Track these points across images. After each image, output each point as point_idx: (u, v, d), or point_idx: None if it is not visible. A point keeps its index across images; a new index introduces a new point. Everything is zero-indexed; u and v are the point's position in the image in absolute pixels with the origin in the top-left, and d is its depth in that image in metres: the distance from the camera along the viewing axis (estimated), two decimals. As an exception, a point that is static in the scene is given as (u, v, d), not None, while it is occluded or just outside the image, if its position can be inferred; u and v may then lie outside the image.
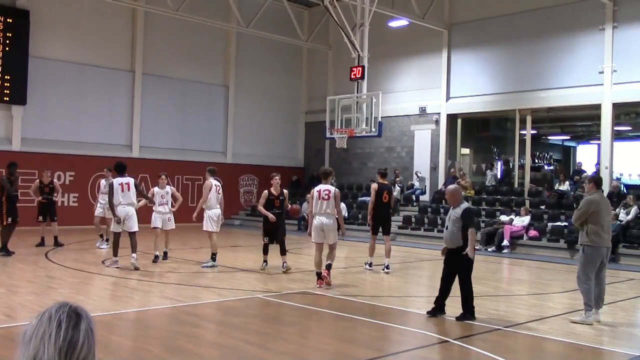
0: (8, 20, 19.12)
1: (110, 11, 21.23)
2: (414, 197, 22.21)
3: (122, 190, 11.42)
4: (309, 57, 27.71)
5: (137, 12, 22.01)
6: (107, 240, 13.85)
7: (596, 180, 8.56)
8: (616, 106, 18.74)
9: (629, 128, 22.87)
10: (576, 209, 8.30)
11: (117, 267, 11.47)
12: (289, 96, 27.33)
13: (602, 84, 18.58)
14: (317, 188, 10.27)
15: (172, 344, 6.43)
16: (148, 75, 22.66)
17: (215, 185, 12.14)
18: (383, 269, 12.07)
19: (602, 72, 18.55)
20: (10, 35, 19.13)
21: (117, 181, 11.51)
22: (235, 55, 25.26)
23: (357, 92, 16.65)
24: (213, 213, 12.07)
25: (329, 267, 10.16)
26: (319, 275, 10.12)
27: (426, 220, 20.16)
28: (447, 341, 6.85)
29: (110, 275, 10.90)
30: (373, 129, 16.10)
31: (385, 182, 12.40)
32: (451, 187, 8.43)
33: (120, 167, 11.72)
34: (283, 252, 11.76)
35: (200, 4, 22.22)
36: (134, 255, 11.41)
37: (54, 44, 20.48)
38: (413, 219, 20.45)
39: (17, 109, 19.62)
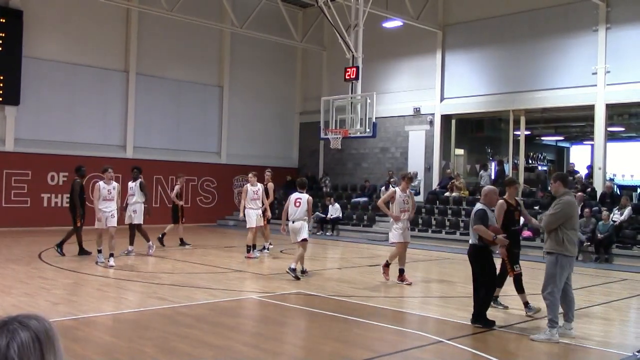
0: (1, 20, 19.03)
1: (104, 11, 21.16)
2: (408, 198, 22.18)
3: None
4: (303, 58, 27.71)
5: (131, 13, 21.94)
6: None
7: (563, 178, 7.52)
8: (609, 107, 18.82)
9: (622, 129, 22.92)
10: (550, 213, 7.17)
11: (132, 255, 13.29)
12: (284, 97, 27.32)
13: (595, 85, 18.66)
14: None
15: (166, 345, 6.42)
16: (142, 76, 22.60)
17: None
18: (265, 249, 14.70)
19: (595, 73, 18.63)
20: (3, 35, 19.05)
21: (134, 183, 13.87)
22: (230, 55, 25.22)
23: (352, 93, 16.67)
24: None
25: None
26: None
27: (420, 221, 20.17)
28: (441, 341, 6.86)
29: (103, 276, 10.88)
30: (367, 130, 16.10)
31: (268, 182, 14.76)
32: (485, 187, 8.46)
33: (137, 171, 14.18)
34: (521, 288, 8.56)
35: (194, 4, 22.19)
36: (150, 243, 13.62)
37: (47, 44, 20.40)
38: (407, 220, 20.43)
39: (11, 109, 19.52)
